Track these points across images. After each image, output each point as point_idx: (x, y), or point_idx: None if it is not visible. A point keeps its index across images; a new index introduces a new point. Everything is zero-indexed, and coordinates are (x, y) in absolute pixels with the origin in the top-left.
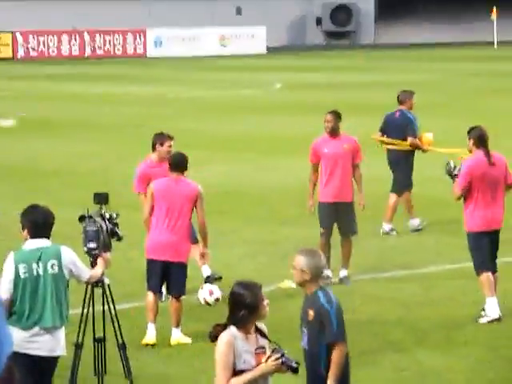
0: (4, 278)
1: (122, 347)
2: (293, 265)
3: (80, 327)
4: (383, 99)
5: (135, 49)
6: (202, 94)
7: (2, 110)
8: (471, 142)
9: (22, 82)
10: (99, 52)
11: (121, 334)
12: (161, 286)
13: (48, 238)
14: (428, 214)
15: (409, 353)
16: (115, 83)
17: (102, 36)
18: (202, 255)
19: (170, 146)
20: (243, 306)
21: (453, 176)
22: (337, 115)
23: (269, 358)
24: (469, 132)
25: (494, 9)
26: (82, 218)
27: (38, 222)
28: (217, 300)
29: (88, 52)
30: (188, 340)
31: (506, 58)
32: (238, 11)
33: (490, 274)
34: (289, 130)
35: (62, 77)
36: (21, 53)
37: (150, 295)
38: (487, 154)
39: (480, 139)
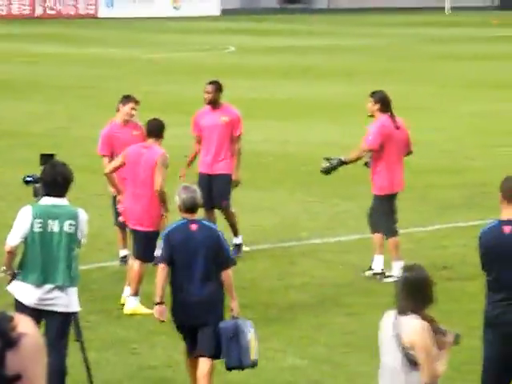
0: (17, 226)
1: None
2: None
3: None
4: (336, 64)
5: (87, 9)
6: (154, 56)
7: None
8: (376, 106)
9: None
10: (50, 12)
11: None
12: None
13: (65, 196)
14: None
15: (359, 315)
16: (66, 44)
17: None
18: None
19: (133, 109)
20: (427, 290)
21: (332, 162)
22: (217, 86)
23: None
24: (371, 96)
25: None
26: (27, 182)
27: (56, 181)
28: None
29: (39, 12)
30: (145, 310)
31: (456, 23)
32: None
33: (397, 237)
34: (240, 93)
35: (13, 36)
36: None
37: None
38: (392, 117)
39: (384, 103)
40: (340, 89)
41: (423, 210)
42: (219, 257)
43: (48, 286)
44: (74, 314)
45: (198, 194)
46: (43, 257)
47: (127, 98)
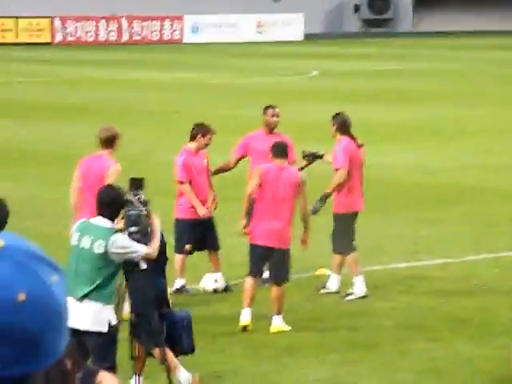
0: None
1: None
2: None
3: (117, 310)
4: (421, 87)
5: (172, 35)
6: (238, 80)
7: (40, 94)
8: (335, 128)
9: (59, 67)
10: (136, 38)
11: None
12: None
13: (109, 217)
14: (462, 203)
15: (444, 342)
16: (152, 69)
17: (139, 22)
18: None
19: (211, 139)
20: None
21: (316, 206)
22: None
23: None
24: (332, 118)
25: None
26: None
27: (102, 201)
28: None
29: (125, 38)
30: (288, 328)
31: None
32: None
33: (355, 253)
34: (323, 117)
35: (100, 62)
36: (59, 38)
37: (249, 280)
38: (352, 138)
39: (343, 126)
40: (425, 112)
41: None
42: None
43: (71, 299)
44: (102, 333)
45: None
46: (72, 268)
47: (207, 129)
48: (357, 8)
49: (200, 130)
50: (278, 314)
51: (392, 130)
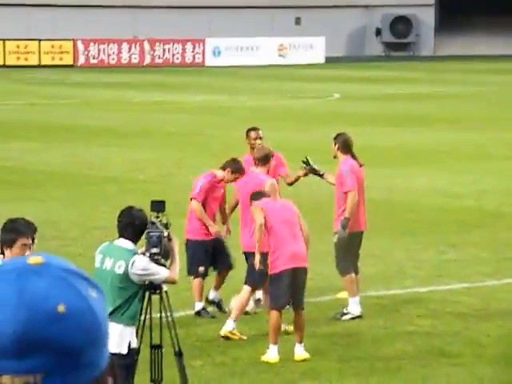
0: None
1: (179, 355)
2: None
3: (137, 334)
4: (443, 111)
5: (194, 58)
6: (260, 103)
7: (63, 116)
8: (337, 148)
9: (82, 89)
10: (158, 61)
11: (177, 341)
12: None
13: (130, 239)
14: (484, 227)
15: (467, 367)
16: (174, 92)
17: (161, 45)
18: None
19: (236, 180)
20: None
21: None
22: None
23: None
24: (334, 138)
25: None
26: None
27: (123, 223)
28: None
29: (147, 60)
30: (307, 355)
31: None
32: (298, 21)
33: (353, 275)
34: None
35: (122, 85)
36: (81, 60)
37: (277, 314)
38: (354, 157)
39: (345, 145)
40: (446, 136)
41: None
42: None
43: None
44: (121, 355)
45: None
46: None
47: (238, 169)
48: (378, 32)
49: (231, 167)
50: (301, 342)
51: (414, 153)
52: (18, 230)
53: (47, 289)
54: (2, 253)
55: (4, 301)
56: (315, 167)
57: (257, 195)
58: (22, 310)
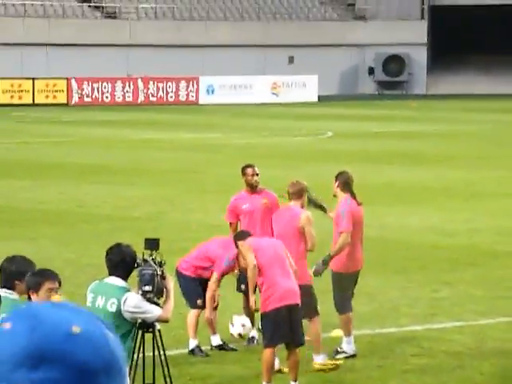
0: None
1: None
2: None
3: (130, 373)
4: (436, 149)
5: (188, 96)
6: (253, 140)
7: (56, 155)
8: (337, 185)
9: (76, 127)
10: (152, 99)
11: (170, 380)
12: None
13: (121, 276)
14: (477, 266)
15: None
16: (168, 129)
17: (155, 83)
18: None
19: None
20: None
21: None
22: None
23: None
24: (336, 176)
25: None
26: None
27: (113, 260)
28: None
29: (141, 98)
30: None
31: None
32: (291, 60)
33: (351, 313)
34: None
35: (116, 123)
36: (75, 99)
37: (271, 352)
38: (353, 196)
39: (347, 184)
40: (438, 174)
41: None
42: None
43: None
44: None
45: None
46: None
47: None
48: (371, 70)
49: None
50: (296, 380)
51: (406, 191)
52: (45, 274)
53: (63, 313)
54: (29, 298)
55: (20, 316)
56: (318, 202)
57: (240, 235)
58: (38, 327)
